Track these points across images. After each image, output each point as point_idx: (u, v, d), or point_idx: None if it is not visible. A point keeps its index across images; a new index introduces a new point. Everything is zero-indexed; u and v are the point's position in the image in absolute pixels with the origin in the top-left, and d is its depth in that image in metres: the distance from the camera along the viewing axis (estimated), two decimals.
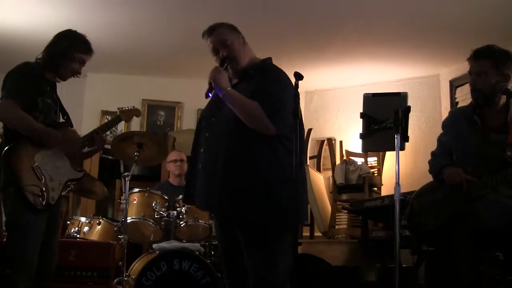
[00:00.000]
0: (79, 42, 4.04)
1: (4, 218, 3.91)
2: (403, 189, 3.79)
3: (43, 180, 3.81)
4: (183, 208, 5.69)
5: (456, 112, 4.23)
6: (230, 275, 3.50)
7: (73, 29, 4.10)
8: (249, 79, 3.40)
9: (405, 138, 3.69)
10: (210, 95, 3.35)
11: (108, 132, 8.48)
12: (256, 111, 3.20)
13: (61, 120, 4.15)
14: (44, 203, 3.78)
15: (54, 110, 4.02)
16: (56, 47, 3.99)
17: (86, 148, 4.25)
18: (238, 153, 3.27)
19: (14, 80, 3.79)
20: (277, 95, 3.25)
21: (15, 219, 3.73)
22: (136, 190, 5.87)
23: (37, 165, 3.79)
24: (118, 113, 4.68)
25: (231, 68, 3.43)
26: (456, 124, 3.97)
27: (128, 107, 4.71)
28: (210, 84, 3.31)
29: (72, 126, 4.13)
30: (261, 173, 3.23)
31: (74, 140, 4.05)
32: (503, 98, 3.78)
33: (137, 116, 4.93)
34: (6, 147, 3.70)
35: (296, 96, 3.17)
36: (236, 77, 3.48)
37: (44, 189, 3.79)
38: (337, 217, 7.75)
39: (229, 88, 3.29)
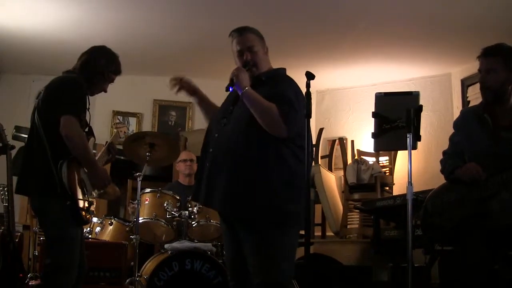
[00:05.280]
0: (115, 62, 4.09)
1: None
2: (415, 189, 3.78)
3: (87, 194, 3.83)
4: (195, 208, 5.69)
5: (467, 111, 4.21)
6: (234, 276, 3.54)
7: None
8: (262, 85, 3.48)
9: (417, 137, 3.68)
10: (231, 89, 3.43)
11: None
12: (273, 111, 3.27)
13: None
14: (88, 217, 3.83)
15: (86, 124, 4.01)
16: (94, 64, 3.98)
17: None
18: (246, 153, 3.33)
19: (74, 97, 3.76)
20: (292, 101, 3.33)
21: (63, 231, 3.70)
22: (147, 190, 5.88)
23: (82, 179, 3.80)
24: (115, 129, 4.70)
25: (250, 73, 3.49)
26: (467, 124, 3.94)
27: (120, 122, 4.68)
28: (231, 80, 3.39)
29: (94, 137, 4.10)
30: (267, 174, 3.30)
31: (107, 181, 3.96)
32: None
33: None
34: (61, 161, 3.66)
35: (308, 95, 3.20)
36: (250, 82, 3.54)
37: (87, 203, 3.82)
38: (349, 216, 7.73)
39: (248, 87, 3.36)
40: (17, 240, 5.22)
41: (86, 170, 3.83)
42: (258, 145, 3.31)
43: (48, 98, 3.81)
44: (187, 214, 5.68)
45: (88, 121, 3.96)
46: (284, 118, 3.27)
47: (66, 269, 3.66)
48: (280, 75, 3.61)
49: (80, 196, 3.74)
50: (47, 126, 3.73)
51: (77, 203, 3.70)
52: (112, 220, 5.91)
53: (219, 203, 3.38)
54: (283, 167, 3.31)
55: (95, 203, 4.01)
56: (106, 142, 4.34)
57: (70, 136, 3.63)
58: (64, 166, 3.65)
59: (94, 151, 4.19)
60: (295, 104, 3.33)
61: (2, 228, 5.18)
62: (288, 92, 3.38)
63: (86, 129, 3.95)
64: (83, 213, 3.75)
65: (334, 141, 8.68)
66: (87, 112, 3.93)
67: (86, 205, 3.80)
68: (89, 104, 3.92)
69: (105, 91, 4.13)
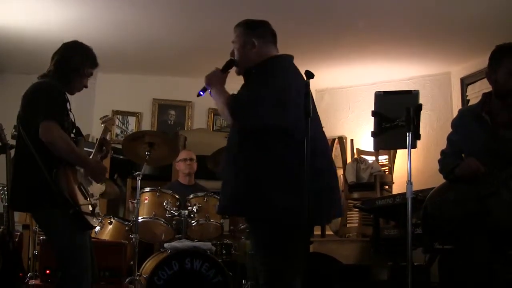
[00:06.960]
0: (89, 56, 3.95)
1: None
2: (415, 187, 3.77)
3: (88, 197, 3.76)
4: (194, 207, 5.70)
5: (465, 110, 4.21)
6: (254, 276, 3.56)
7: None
8: (251, 78, 3.47)
9: (416, 136, 3.68)
10: (202, 94, 3.50)
11: (119, 132, 8.57)
12: (224, 101, 3.29)
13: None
14: (95, 220, 3.78)
15: (72, 126, 3.91)
16: (67, 62, 3.86)
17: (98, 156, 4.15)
18: (235, 152, 3.34)
19: (49, 101, 3.63)
20: (255, 88, 3.28)
21: (71, 240, 3.62)
22: (147, 189, 5.88)
23: (80, 183, 3.73)
24: (102, 124, 4.66)
25: (236, 67, 3.55)
26: (466, 123, 3.94)
27: (105, 116, 4.60)
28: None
29: (83, 137, 4.03)
30: (254, 173, 3.24)
31: (104, 170, 3.94)
32: None
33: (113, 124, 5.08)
34: (55, 169, 3.56)
35: (307, 94, 3.19)
36: (243, 77, 3.56)
37: (91, 206, 3.76)
38: (348, 215, 7.73)
39: (217, 86, 3.41)
40: (16, 239, 5.22)
41: (81, 171, 3.78)
42: (243, 142, 3.30)
43: (25, 108, 3.73)
44: (186, 213, 5.69)
45: (74, 122, 3.89)
46: (237, 106, 3.22)
47: (81, 277, 3.60)
48: (268, 66, 3.44)
49: (82, 201, 3.65)
50: (32, 136, 3.61)
51: (81, 209, 3.60)
52: (112, 220, 5.90)
53: (223, 210, 3.55)
54: (271, 163, 3.22)
55: (98, 205, 3.95)
56: (97, 139, 4.24)
57: (52, 141, 3.53)
58: (59, 173, 3.56)
59: (90, 150, 4.14)
60: (260, 91, 3.23)
61: (2, 227, 5.18)
62: (257, 78, 3.35)
63: (74, 131, 3.90)
64: (89, 217, 3.68)
65: (333, 140, 8.65)
66: (70, 114, 3.83)
67: (90, 208, 3.74)
68: (69, 105, 3.80)
69: (86, 87, 3.98)
